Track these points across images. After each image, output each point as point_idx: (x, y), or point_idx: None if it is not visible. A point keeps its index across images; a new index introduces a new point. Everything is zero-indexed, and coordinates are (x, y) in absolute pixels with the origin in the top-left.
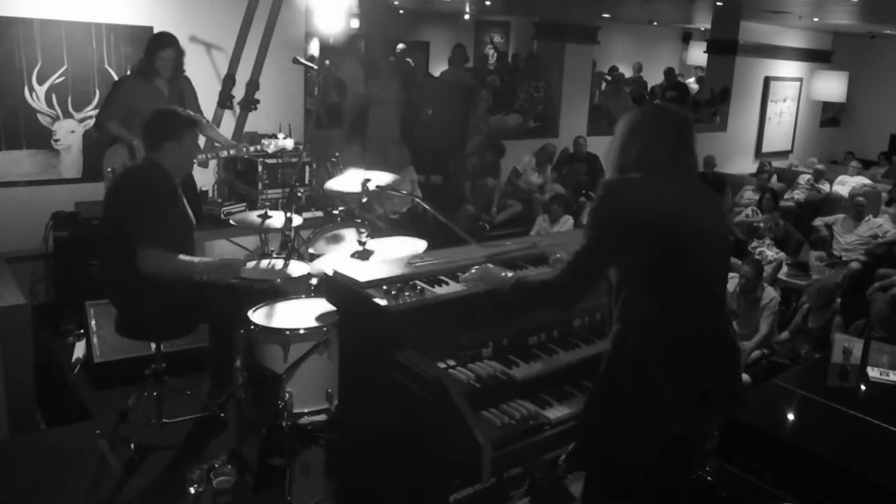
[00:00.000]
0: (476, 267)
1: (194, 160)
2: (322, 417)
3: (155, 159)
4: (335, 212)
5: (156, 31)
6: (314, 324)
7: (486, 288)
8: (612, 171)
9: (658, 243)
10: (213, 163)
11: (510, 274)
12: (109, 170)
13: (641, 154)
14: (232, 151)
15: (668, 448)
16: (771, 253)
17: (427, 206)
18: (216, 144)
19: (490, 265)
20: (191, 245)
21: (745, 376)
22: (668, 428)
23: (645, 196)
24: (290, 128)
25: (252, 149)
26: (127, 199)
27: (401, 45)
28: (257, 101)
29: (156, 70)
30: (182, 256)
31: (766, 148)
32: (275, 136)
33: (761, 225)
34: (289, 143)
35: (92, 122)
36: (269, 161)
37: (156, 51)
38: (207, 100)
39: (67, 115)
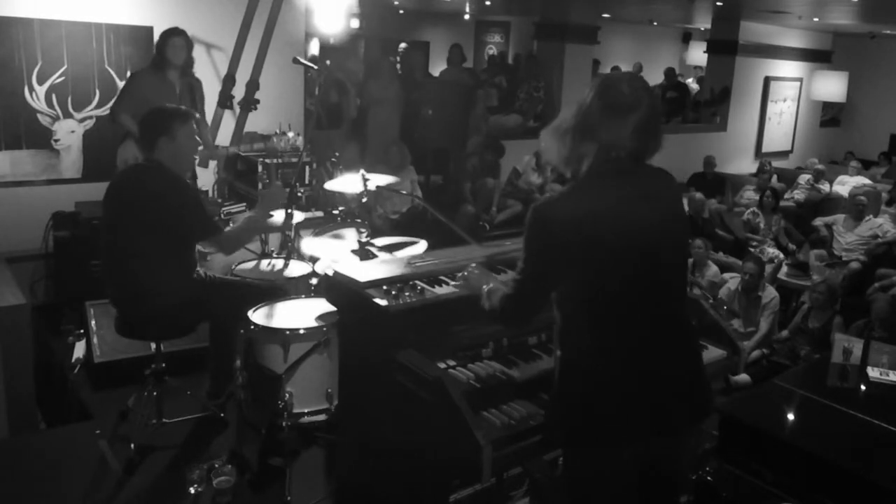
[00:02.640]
0: (469, 268)
1: (195, 156)
2: (322, 417)
3: (154, 157)
4: (335, 212)
5: (156, 31)
6: (314, 324)
7: (469, 293)
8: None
9: (589, 257)
10: (213, 163)
11: (490, 285)
12: (122, 166)
13: (594, 153)
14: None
15: (643, 473)
16: (772, 251)
17: (427, 206)
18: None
19: (475, 268)
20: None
21: (745, 376)
22: (628, 453)
23: (576, 218)
24: (290, 127)
25: (257, 146)
26: (177, 199)
27: (403, 45)
28: (257, 101)
29: (168, 60)
30: (233, 227)
31: (766, 148)
32: (284, 134)
33: (761, 225)
34: (299, 141)
35: (92, 122)
36: (269, 161)
37: (167, 39)
38: (207, 100)
39: (67, 115)
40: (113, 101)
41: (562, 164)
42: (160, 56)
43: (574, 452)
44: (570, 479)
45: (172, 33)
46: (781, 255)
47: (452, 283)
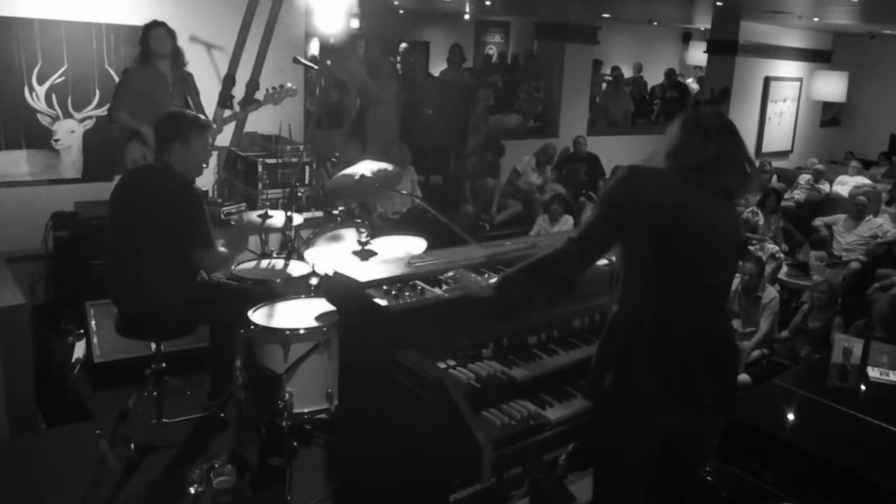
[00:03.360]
0: (453, 272)
1: (204, 164)
2: (322, 417)
3: (164, 159)
4: (335, 212)
5: None
6: (314, 324)
7: (466, 293)
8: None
9: (666, 234)
10: (213, 163)
11: (483, 277)
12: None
13: (679, 150)
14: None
15: (664, 447)
16: (771, 246)
17: (427, 206)
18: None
19: (462, 273)
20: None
21: (745, 376)
22: (653, 423)
23: (663, 186)
24: (290, 127)
25: (256, 102)
26: (180, 203)
27: (403, 45)
28: (257, 101)
29: (153, 52)
30: (222, 248)
31: (766, 148)
32: (281, 86)
33: (760, 223)
34: (293, 90)
35: (92, 122)
36: (269, 161)
37: (149, 31)
38: (207, 100)
39: (67, 115)
40: (108, 105)
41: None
42: (145, 49)
43: (606, 413)
44: (602, 442)
45: (154, 25)
46: (781, 255)
47: (448, 289)
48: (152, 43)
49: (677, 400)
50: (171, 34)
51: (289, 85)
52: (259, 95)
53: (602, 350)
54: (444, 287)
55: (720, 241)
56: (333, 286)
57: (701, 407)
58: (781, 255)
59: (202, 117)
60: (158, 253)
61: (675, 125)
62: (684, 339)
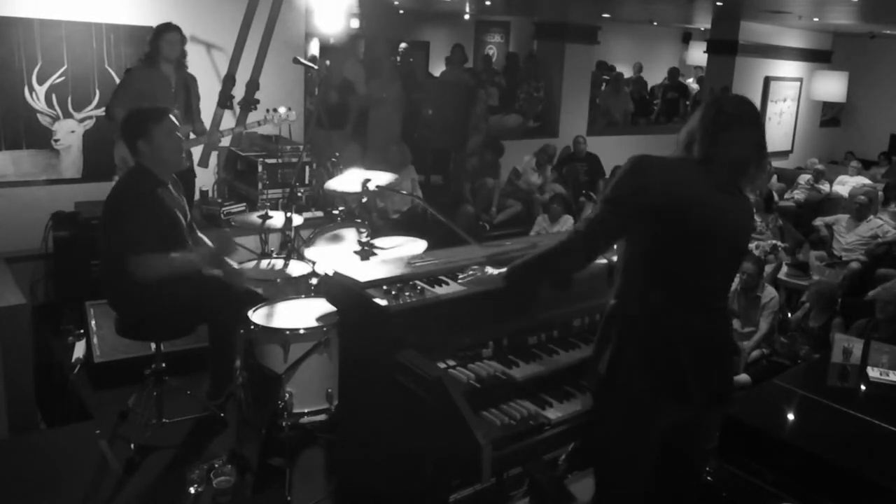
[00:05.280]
0: (473, 268)
1: (181, 153)
2: (322, 417)
3: (138, 161)
4: (335, 212)
5: None
6: (314, 324)
7: (486, 288)
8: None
9: (670, 229)
10: (213, 163)
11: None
12: (119, 164)
13: (697, 140)
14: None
15: (663, 447)
16: (767, 238)
17: (427, 206)
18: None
19: (487, 269)
20: (181, 241)
21: (745, 376)
22: (647, 422)
23: (671, 178)
24: (290, 128)
25: (257, 121)
26: (108, 211)
27: (403, 45)
28: (257, 101)
29: (161, 54)
30: (174, 254)
31: None
32: (275, 111)
33: (759, 223)
34: (292, 115)
35: (92, 122)
36: (269, 161)
37: (162, 34)
38: (207, 100)
39: (67, 115)
40: (106, 104)
41: (685, 143)
42: (154, 51)
43: (601, 411)
44: (598, 442)
45: (168, 28)
46: (782, 247)
47: (458, 282)
48: (163, 45)
49: (669, 399)
50: (184, 39)
51: (292, 114)
52: (259, 116)
53: (598, 347)
54: (460, 279)
55: (726, 238)
56: (333, 286)
57: (693, 405)
58: (782, 248)
59: (157, 107)
60: (115, 265)
61: (696, 112)
62: (676, 340)
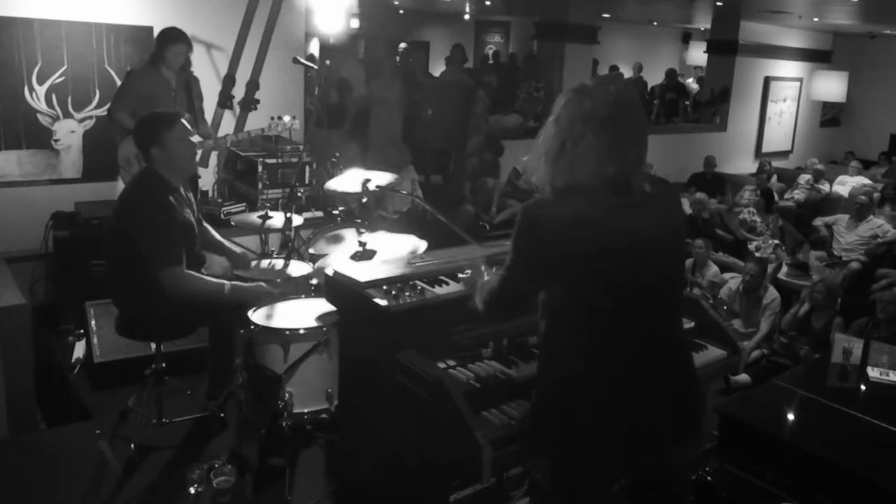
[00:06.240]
0: (470, 268)
1: (194, 158)
2: (322, 417)
3: (151, 167)
4: (335, 212)
5: (156, 31)
6: (314, 324)
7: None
8: (545, 183)
9: (580, 273)
10: (213, 163)
11: (486, 278)
12: (122, 163)
13: (560, 152)
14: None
15: (631, 490)
16: (773, 241)
17: (427, 206)
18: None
19: (481, 267)
20: (193, 250)
21: (745, 376)
22: (609, 464)
23: (566, 225)
24: (290, 128)
25: (261, 129)
26: (125, 215)
27: (403, 45)
28: (257, 101)
29: (165, 62)
30: (208, 278)
31: (766, 148)
32: (280, 118)
33: (759, 222)
34: (295, 123)
35: (92, 122)
36: (269, 161)
37: (168, 43)
38: (207, 100)
39: (67, 115)
40: (109, 104)
41: (550, 184)
42: (158, 56)
43: (554, 461)
44: (554, 487)
45: (175, 39)
46: (783, 253)
47: (455, 281)
48: (168, 55)
49: (629, 447)
50: (190, 49)
51: (295, 122)
52: (263, 123)
53: (540, 409)
54: (460, 279)
55: (645, 261)
56: (333, 286)
57: (649, 450)
58: (781, 244)
59: (168, 111)
60: (125, 266)
61: (550, 120)
62: (628, 384)
